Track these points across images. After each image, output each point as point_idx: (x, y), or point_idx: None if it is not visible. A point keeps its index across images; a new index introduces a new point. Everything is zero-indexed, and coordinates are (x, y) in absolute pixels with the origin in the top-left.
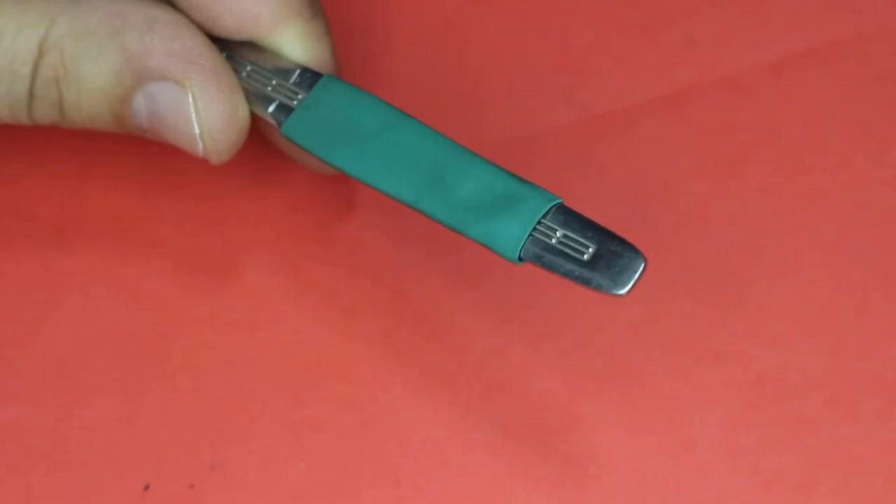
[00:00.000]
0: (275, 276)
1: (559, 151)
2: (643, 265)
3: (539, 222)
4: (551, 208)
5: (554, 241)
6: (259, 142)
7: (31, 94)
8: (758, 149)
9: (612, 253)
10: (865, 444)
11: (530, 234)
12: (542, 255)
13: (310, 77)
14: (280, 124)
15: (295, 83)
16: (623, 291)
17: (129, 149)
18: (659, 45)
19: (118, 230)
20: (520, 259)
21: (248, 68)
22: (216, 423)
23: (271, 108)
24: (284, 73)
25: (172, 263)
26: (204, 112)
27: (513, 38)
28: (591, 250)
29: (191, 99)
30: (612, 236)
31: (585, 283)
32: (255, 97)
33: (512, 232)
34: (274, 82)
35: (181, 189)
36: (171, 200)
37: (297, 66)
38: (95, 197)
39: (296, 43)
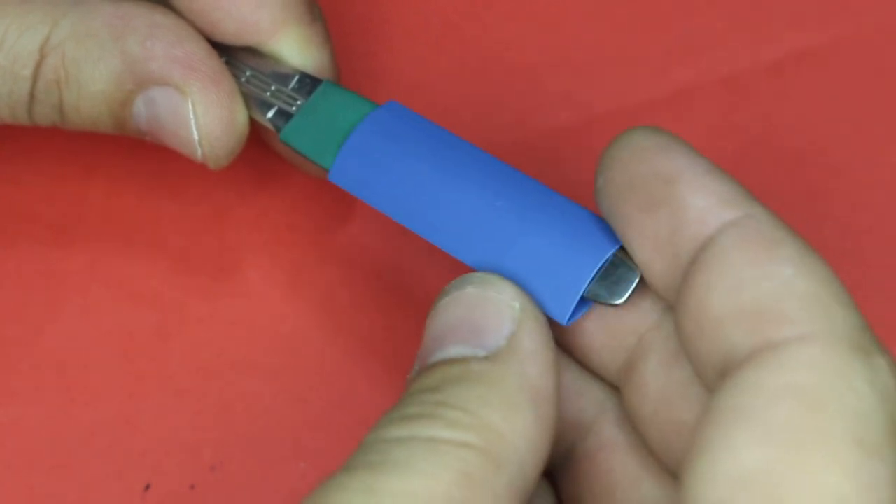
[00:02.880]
0: (275, 276)
1: (559, 151)
2: (640, 275)
3: None
4: None
5: None
6: (259, 145)
7: (32, 96)
8: (758, 149)
9: (609, 263)
10: None
11: None
12: None
13: (309, 83)
14: (279, 130)
15: (294, 89)
16: (620, 301)
17: (130, 150)
18: (659, 45)
19: (119, 231)
20: None
21: (248, 73)
22: (216, 423)
23: (270, 114)
24: (283, 78)
25: (173, 264)
26: (203, 118)
27: (513, 38)
28: None
29: (190, 105)
30: None
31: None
32: (254, 102)
33: None
34: (273, 88)
35: (182, 191)
36: (171, 202)
37: (297, 71)
38: (96, 198)
39: (295, 49)
